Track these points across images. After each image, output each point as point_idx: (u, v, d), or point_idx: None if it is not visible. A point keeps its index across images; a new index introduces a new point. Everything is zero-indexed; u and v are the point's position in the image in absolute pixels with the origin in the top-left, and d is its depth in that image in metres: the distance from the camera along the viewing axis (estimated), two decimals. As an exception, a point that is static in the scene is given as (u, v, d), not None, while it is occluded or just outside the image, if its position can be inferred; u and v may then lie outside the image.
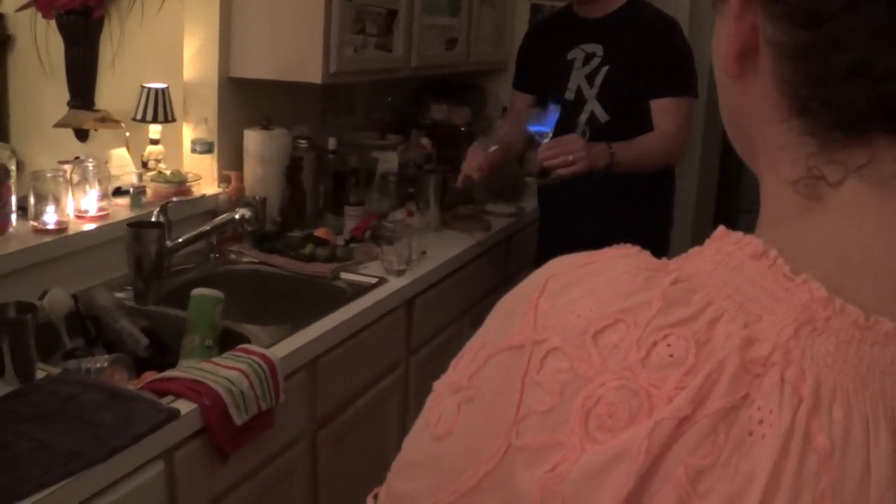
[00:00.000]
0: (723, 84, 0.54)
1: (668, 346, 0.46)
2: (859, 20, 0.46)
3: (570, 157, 2.20)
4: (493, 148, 2.51)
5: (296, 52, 2.46)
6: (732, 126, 0.56)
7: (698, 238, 0.51)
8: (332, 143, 2.80)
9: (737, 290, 0.47)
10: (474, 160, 2.50)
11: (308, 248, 2.42)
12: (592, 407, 0.45)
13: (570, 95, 2.49)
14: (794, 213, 0.50)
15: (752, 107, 0.52)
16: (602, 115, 2.47)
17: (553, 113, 2.36)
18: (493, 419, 0.49)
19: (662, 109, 2.39)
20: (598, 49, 2.45)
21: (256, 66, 2.51)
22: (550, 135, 2.33)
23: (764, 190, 0.53)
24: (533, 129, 2.36)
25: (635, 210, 2.50)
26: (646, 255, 0.51)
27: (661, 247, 2.51)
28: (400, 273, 2.35)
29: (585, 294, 0.49)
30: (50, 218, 2.04)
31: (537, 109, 2.41)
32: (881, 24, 0.45)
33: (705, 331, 0.45)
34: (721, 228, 0.51)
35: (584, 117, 2.48)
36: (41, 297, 1.82)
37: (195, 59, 2.52)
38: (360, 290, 2.23)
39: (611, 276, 0.49)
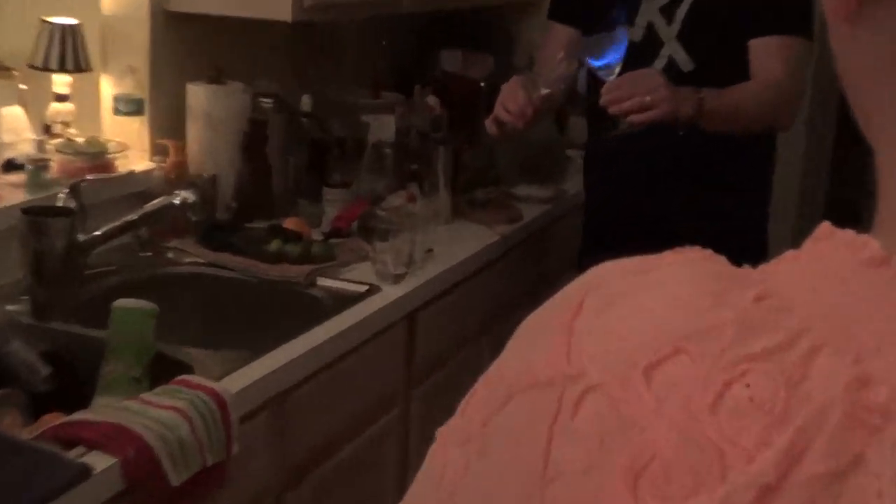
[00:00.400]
0: (833, 27, 0.53)
1: (748, 386, 0.46)
2: None
3: (648, 99, 2.17)
4: (543, 91, 2.45)
5: None
6: (845, 84, 0.55)
7: (804, 235, 0.51)
8: (307, 102, 2.81)
9: (845, 312, 0.47)
10: (515, 100, 2.44)
11: (274, 245, 2.43)
12: (644, 467, 0.46)
13: (637, 35, 2.48)
14: None
15: (869, 57, 0.51)
16: (685, 62, 2.46)
17: (621, 38, 2.34)
18: (513, 479, 0.50)
19: (767, 51, 2.39)
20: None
21: None
22: (618, 70, 2.31)
23: (883, 172, 0.51)
24: (594, 62, 2.34)
25: (721, 193, 2.51)
26: (719, 262, 0.52)
27: (757, 249, 2.51)
28: (398, 279, 2.36)
29: (636, 314, 0.50)
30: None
31: (596, 36, 2.38)
32: None
33: (800, 366, 0.46)
34: (825, 226, 0.50)
35: (659, 65, 2.46)
36: None
37: None
38: (345, 301, 2.24)
39: (671, 289, 0.50)
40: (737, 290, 0.49)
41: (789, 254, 0.51)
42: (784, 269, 0.50)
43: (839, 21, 0.52)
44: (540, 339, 0.52)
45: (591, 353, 0.49)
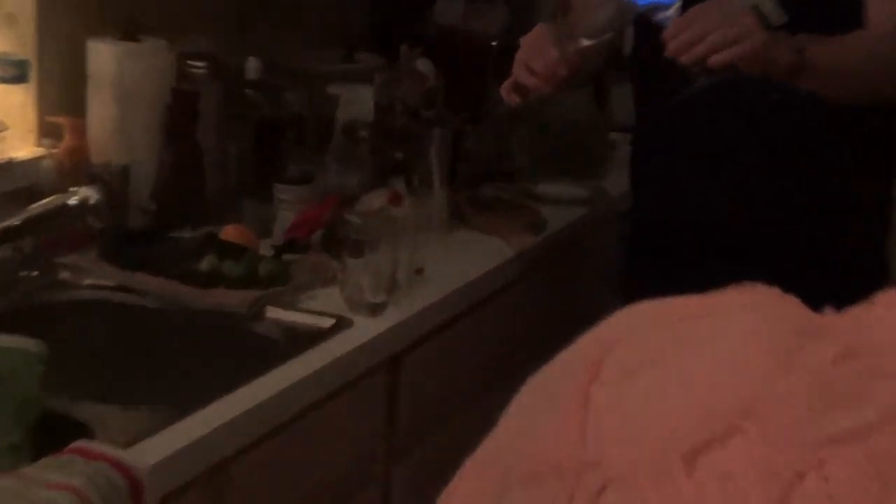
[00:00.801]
0: None
1: (826, 479, 0.45)
2: None
3: (733, 32, 2.17)
4: (583, 43, 2.48)
5: None
6: None
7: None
8: (254, 67, 2.87)
9: None
10: (542, 56, 2.46)
11: (207, 262, 2.46)
12: None
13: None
14: None
15: None
16: (774, 14, 2.45)
17: None
18: None
19: None
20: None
21: None
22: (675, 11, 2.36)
23: None
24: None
25: (826, 194, 2.50)
26: (791, 305, 0.53)
27: (873, 273, 2.52)
28: (376, 309, 2.38)
29: (676, 379, 0.51)
30: None
31: None
32: None
33: None
34: None
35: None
36: None
37: None
38: (304, 339, 2.27)
39: (726, 345, 0.51)
40: (813, 347, 0.49)
41: (886, 296, 0.51)
42: (878, 316, 0.50)
43: None
44: (547, 411, 0.53)
45: (613, 431, 0.50)
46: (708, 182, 2.55)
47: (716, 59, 2.20)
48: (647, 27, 2.40)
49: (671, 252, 2.60)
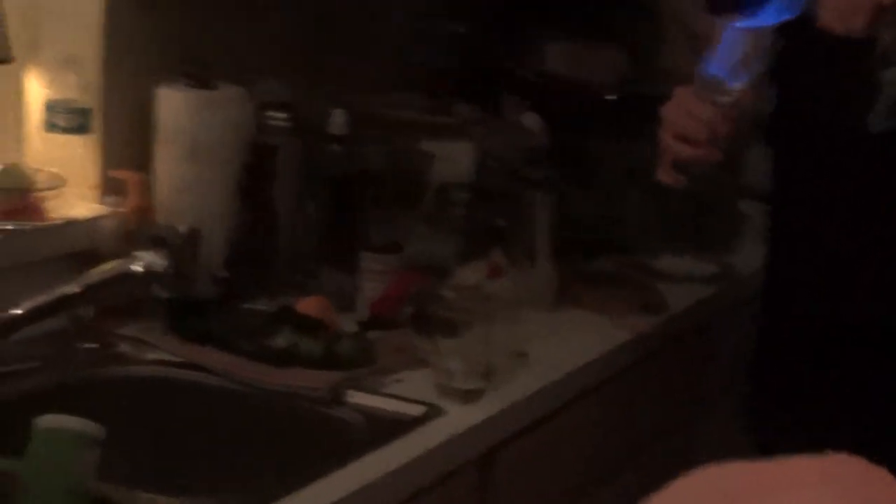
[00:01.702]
0: None
1: None
2: None
3: None
4: (735, 86, 2.37)
5: None
6: None
7: None
8: (338, 119, 2.87)
9: None
10: (697, 118, 2.41)
11: (283, 338, 2.46)
12: None
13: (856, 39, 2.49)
14: None
15: None
16: None
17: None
18: None
19: None
20: None
21: None
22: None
23: None
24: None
25: None
26: (884, 484, 0.52)
27: None
28: (470, 396, 2.39)
29: None
30: None
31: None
32: None
33: None
34: None
35: (892, 74, 2.47)
36: None
37: None
38: (388, 428, 2.26)
39: None
40: None
41: None
42: None
43: None
44: None
45: None
46: (866, 264, 2.49)
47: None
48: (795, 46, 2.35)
49: (809, 348, 2.55)
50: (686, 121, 2.40)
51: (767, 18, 2.30)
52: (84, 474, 1.84)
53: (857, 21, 2.19)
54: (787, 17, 2.31)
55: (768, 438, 2.58)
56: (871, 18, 2.19)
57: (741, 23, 2.37)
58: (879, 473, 0.52)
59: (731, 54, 2.36)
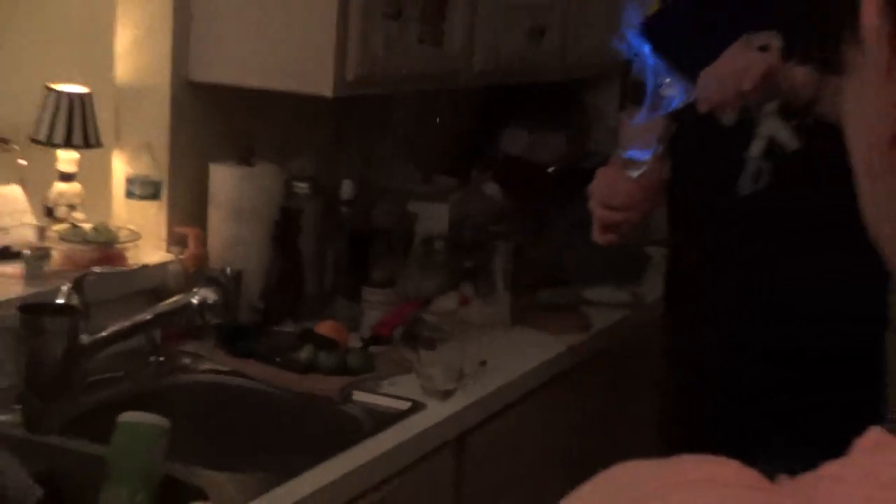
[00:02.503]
0: (862, 184, 0.53)
1: None
2: None
3: (742, 65, 2.13)
4: (642, 161, 2.33)
5: (294, 46, 2.52)
6: (876, 237, 0.55)
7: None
8: (348, 188, 2.87)
9: None
10: (617, 189, 2.39)
11: (305, 353, 2.46)
12: None
13: (729, 120, 2.48)
14: None
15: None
16: (790, 141, 2.44)
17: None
18: None
19: None
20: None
21: (231, 65, 2.59)
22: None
23: None
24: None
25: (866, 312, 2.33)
26: (747, 483, 0.48)
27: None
28: (446, 395, 2.38)
29: None
30: None
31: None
32: None
33: None
34: (875, 432, 0.48)
35: (757, 148, 2.45)
36: None
37: (134, 50, 2.59)
38: (384, 419, 2.27)
39: None
40: None
41: (835, 465, 0.47)
42: (824, 493, 0.46)
43: (868, 177, 0.52)
44: None
45: None
46: (742, 297, 2.43)
47: (731, 93, 2.14)
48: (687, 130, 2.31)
49: (699, 362, 2.50)
50: (609, 192, 2.38)
51: (662, 111, 2.30)
52: (155, 457, 1.86)
53: (727, 107, 2.19)
54: (675, 107, 2.32)
55: (674, 437, 2.56)
56: (735, 103, 2.19)
57: (644, 115, 2.29)
58: (751, 474, 0.49)
59: (638, 139, 2.34)
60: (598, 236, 2.42)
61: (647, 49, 2.41)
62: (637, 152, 2.32)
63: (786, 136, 2.42)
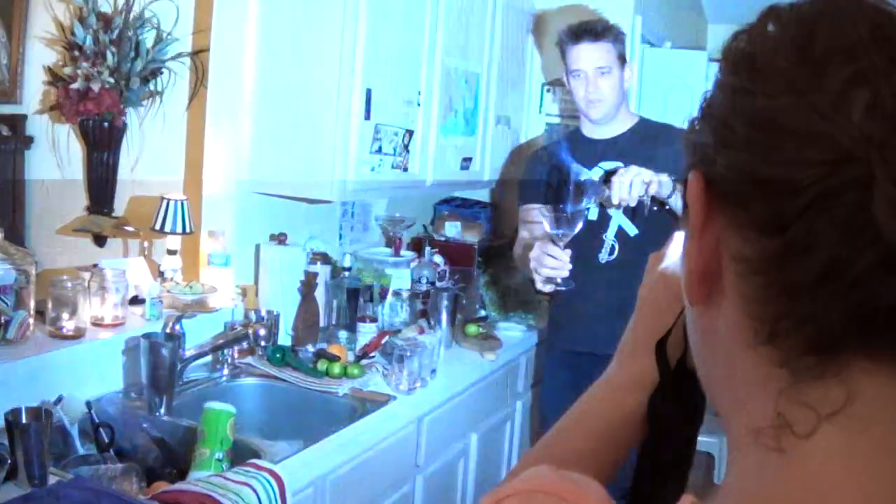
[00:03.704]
0: (689, 314, 0.48)
1: None
2: (828, 217, 0.40)
3: (642, 175, 2.09)
4: (563, 234, 2.27)
5: (311, 171, 2.48)
6: (698, 362, 0.49)
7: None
8: (347, 259, 2.86)
9: None
10: (551, 254, 2.26)
11: (320, 364, 2.43)
12: None
13: (593, 214, 2.49)
14: (757, 471, 0.42)
15: (716, 336, 0.45)
16: (630, 229, 2.48)
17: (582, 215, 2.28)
18: None
19: None
20: (620, 165, 2.40)
21: (275, 182, 2.54)
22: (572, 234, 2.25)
23: (728, 441, 0.46)
24: (558, 231, 2.26)
25: None
26: None
27: None
28: (411, 391, 2.38)
29: None
30: (67, 324, 2.09)
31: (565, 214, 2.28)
32: (852, 218, 0.39)
33: None
34: (687, 499, 0.42)
35: (610, 233, 2.48)
36: (56, 402, 1.84)
37: (215, 171, 2.57)
38: (370, 406, 2.25)
39: None
40: None
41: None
42: None
43: (693, 307, 0.47)
44: None
45: None
46: (596, 323, 2.42)
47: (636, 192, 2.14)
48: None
49: (568, 367, 2.52)
50: (543, 257, 2.30)
51: (581, 204, 2.30)
52: (227, 431, 1.86)
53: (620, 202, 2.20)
54: (590, 203, 2.32)
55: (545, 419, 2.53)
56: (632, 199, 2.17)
57: (570, 206, 2.31)
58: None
59: (562, 222, 2.27)
60: (540, 286, 2.31)
61: (567, 161, 2.42)
62: (560, 231, 2.27)
63: (628, 226, 2.48)
